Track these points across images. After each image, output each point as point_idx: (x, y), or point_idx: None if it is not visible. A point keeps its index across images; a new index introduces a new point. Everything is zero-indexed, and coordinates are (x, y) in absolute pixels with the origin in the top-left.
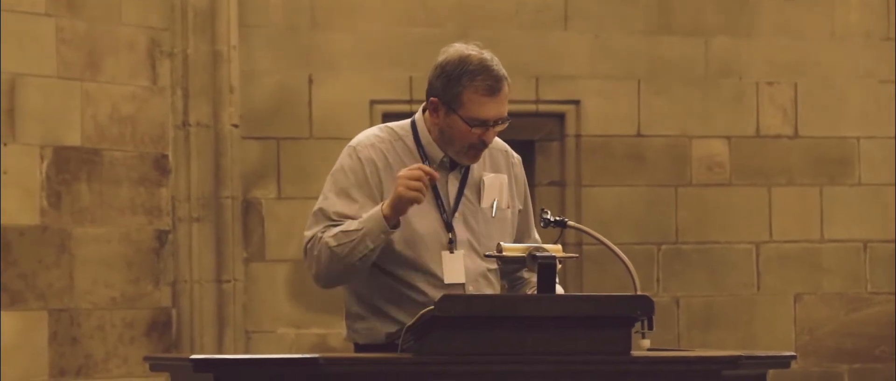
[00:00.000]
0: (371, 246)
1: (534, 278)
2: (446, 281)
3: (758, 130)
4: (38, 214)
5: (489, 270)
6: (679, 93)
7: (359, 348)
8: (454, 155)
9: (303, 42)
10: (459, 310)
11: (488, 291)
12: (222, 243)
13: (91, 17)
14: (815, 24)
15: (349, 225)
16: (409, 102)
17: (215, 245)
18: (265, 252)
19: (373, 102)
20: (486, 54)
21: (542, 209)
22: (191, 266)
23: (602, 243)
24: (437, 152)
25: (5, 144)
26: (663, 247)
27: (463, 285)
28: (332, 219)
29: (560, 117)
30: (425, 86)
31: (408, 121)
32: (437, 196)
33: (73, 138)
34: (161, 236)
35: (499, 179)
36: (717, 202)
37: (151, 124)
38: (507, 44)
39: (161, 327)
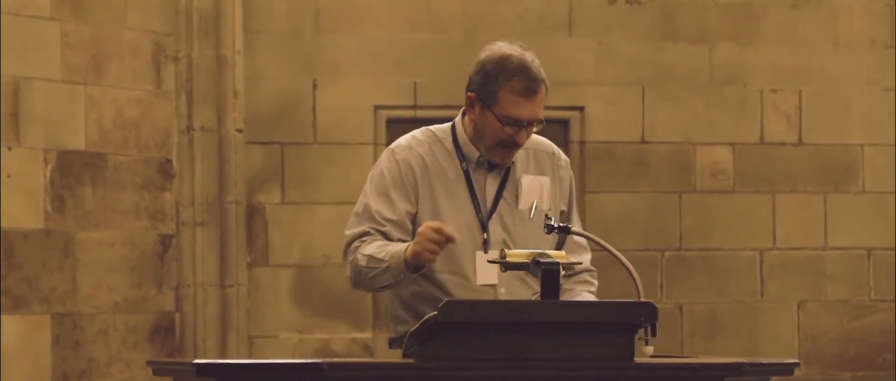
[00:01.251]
0: (390, 281)
1: (576, 287)
2: (478, 282)
3: (762, 137)
4: (42, 218)
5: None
6: (683, 100)
7: (393, 342)
8: (485, 152)
9: (307, 47)
10: (463, 315)
11: (524, 293)
12: (226, 248)
13: (96, 21)
14: (819, 32)
15: (380, 251)
16: (414, 107)
17: (219, 250)
18: (269, 257)
19: (377, 108)
20: (528, 55)
21: (546, 215)
22: (194, 271)
23: (606, 249)
24: (473, 152)
25: (9, 148)
26: (667, 253)
27: (494, 286)
28: (373, 218)
29: (564, 124)
30: (429, 91)
31: (448, 124)
32: (473, 196)
33: (78, 142)
34: (165, 241)
35: (539, 180)
36: (720, 209)
37: (155, 129)
38: None
39: (164, 331)
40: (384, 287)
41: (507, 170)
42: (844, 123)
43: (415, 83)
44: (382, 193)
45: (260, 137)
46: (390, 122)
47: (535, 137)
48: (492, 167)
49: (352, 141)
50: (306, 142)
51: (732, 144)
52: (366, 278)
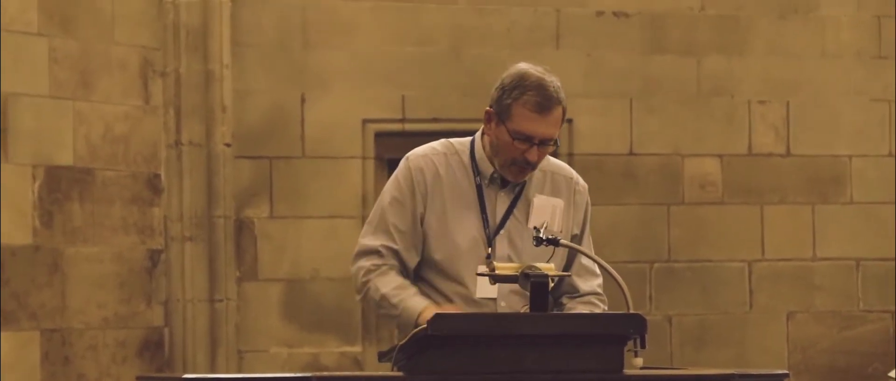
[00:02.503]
0: (397, 323)
1: (577, 307)
2: (477, 295)
3: (750, 148)
4: (31, 233)
5: None
6: (671, 111)
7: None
8: (498, 168)
9: (295, 61)
10: (452, 328)
11: (523, 308)
12: (215, 263)
13: (84, 36)
14: (807, 43)
15: (395, 295)
16: (402, 120)
17: (208, 265)
18: (258, 271)
19: (365, 121)
20: (549, 77)
21: (535, 228)
22: (183, 286)
23: (595, 261)
24: (488, 167)
25: None
26: (656, 265)
27: (494, 300)
28: (387, 230)
29: None
30: (418, 105)
31: (469, 138)
32: (483, 210)
33: (66, 158)
34: (153, 256)
35: (552, 202)
36: (709, 221)
37: (144, 144)
38: (500, 63)
39: (153, 346)
40: (388, 320)
41: (521, 188)
42: (832, 134)
43: (403, 96)
44: (395, 198)
45: (248, 151)
46: (379, 135)
47: (554, 160)
48: (505, 184)
49: (340, 155)
50: (295, 156)
51: (721, 156)
52: (375, 309)
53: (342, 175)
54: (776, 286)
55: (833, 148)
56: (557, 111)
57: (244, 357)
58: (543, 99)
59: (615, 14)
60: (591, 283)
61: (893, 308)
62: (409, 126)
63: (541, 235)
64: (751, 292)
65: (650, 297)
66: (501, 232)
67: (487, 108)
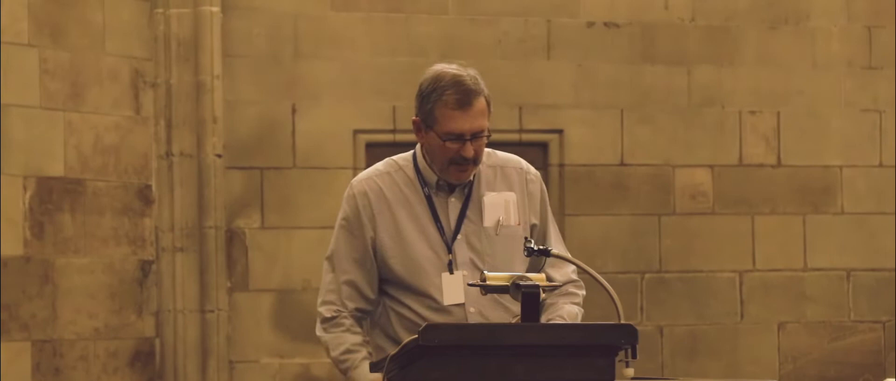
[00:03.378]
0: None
1: (558, 300)
2: (445, 302)
3: (741, 158)
4: (21, 244)
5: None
6: (662, 122)
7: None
8: (440, 173)
9: (286, 72)
10: (443, 339)
11: (494, 312)
12: (206, 273)
13: (74, 47)
14: (798, 54)
15: (346, 358)
16: (393, 131)
17: (199, 275)
18: (249, 282)
19: (356, 132)
20: (464, 71)
21: (526, 238)
22: (174, 296)
23: (586, 271)
24: (432, 176)
25: None
26: (647, 276)
27: (463, 305)
28: (343, 267)
29: (543, 147)
30: (409, 115)
31: (410, 152)
32: (436, 219)
33: (57, 169)
34: (144, 266)
35: (503, 197)
36: (700, 231)
37: (135, 154)
38: (491, 73)
39: (144, 357)
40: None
41: (470, 190)
42: (823, 145)
43: (394, 107)
44: (343, 228)
45: (239, 161)
46: (370, 146)
47: (502, 154)
48: (452, 189)
49: (331, 165)
50: (286, 166)
51: (711, 166)
52: (332, 361)
53: (333, 186)
54: (767, 297)
55: (824, 158)
56: (480, 103)
57: (235, 368)
58: (462, 95)
59: (606, 25)
60: (564, 271)
61: (884, 319)
62: (400, 137)
63: (531, 245)
64: (742, 302)
65: (641, 307)
66: (459, 237)
67: (413, 117)
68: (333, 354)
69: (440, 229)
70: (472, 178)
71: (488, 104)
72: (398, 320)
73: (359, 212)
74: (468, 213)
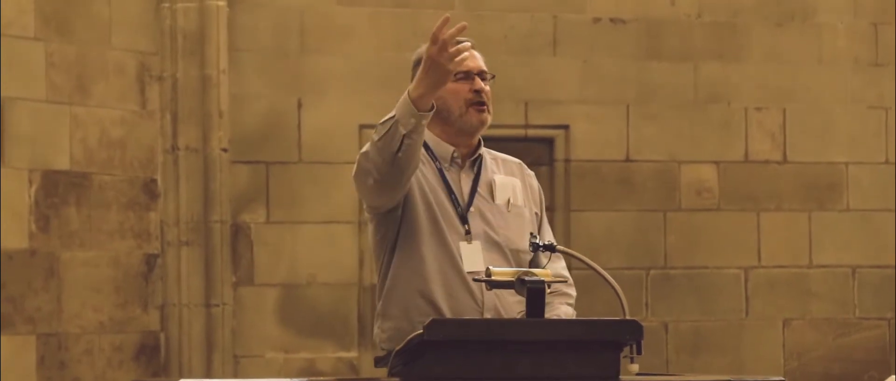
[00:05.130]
0: (403, 131)
1: (553, 301)
2: (466, 269)
3: (746, 155)
4: (27, 238)
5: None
6: (668, 118)
7: (379, 361)
8: (461, 123)
9: (292, 66)
10: (448, 334)
11: (508, 300)
12: (211, 267)
13: (80, 41)
14: (804, 50)
15: (386, 117)
16: None
17: (204, 269)
18: (254, 276)
19: (362, 127)
20: None
21: (532, 234)
22: (179, 290)
23: (591, 267)
24: (446, 149)
25: None
26: (652, 272)
27: (483, 272)
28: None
29: (549, 142)
30: None
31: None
32: (450, 192)
33: (62, 162)
34: (150, 260)
35: (511, 181)
36: (705, 227)
37: (140, 148)
38: (496, 69)
39: (149, 351)
40: (402, 149)
41: (479, 170)
42: (829, 141)
43: None
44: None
45: (245, 156)
46: None
47: (502, 154)
48: (462, 165)
49: (337, 160)
50: (291, 161)
51: (717, 163)
52: (382, 152)
53: (338, 180)
54: (772, 293)
55: (829, 155)
56: (473, 49)
57: (240, 362)
58: (458, 43)
59: (612, 20)
60: (555, 266)
61: (889, 316)
62: None
63: (537, 241)
64: (747, 298)
65: (646, 303)
66: (472, 209)
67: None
68: (376, 137)
69: (455, 201)
70: (480, 153)
71: (478, 54)
72: (418, 283)
73: None
74: (479, 189)
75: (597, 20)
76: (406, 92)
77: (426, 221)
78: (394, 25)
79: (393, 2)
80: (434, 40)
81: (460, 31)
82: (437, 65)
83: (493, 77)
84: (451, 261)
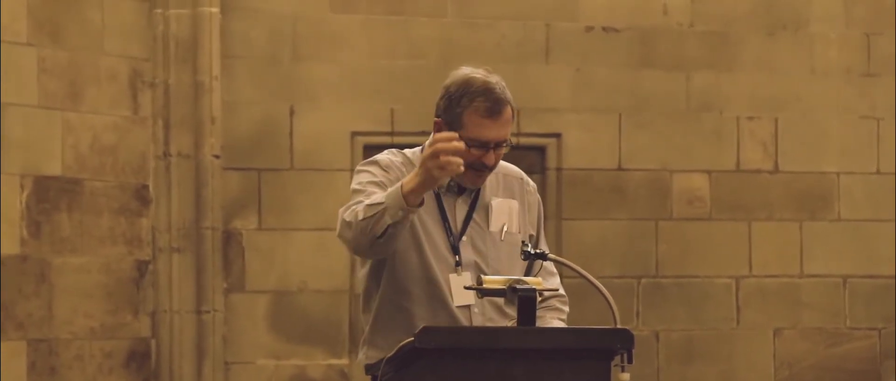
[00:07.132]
0: (389, 221)
1: (545, 315)
2: (455, 304)
3: (738, 164)
4: (18, 243)
5: None
6: (660, 127)
7: (370, 368)
8: (457, 176)
9: (284, 73)
10: (439, 342)
11: (496, 314)
12: (202, 274)
13: (73, 46)
14: (796, 60)
15: (376, 198)
16: (391, 133)
17: (195, 276)
18: (245, 283)
19: (354, 134)
20: (493, 78)
21: (523, 242)
22: (170, 297)
23: (582, 276)
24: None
25: None
26: (643, 280)
27: (469, 307)
28: (366, 190)
29: (541, 151)
30: (406, 118)
31: (418, 148)
32: (444, 219)
33: (54, 168)
34: (141, 267)
35: (508, 204)
36: (697, 236)
37: (132, 154)
38: None
39: (140, 357)
40: (385, 235)
41: (477, 193)
42: (820, 151)
43: (392, 109)
44: (372, 182)
45: (237, 162)
46: (368, 148)
47: (503, 162)
48: (461, 191)
49: (329, 167)
50: (283, 168)
51: (709, 172)
52: (365, 232)
53: (330, 187)
54: (763, 303)
55: (821, 165)
56: (507, 112)
57: (231, 369)
58: (493, 103)
59: (604, 29)
60: (551, 282)
61: (880, 326)
62: (397, 139)
63: (528, 249)
64: (738, 308)
65: (637, 312)
66: (464, 238)
67: (436, 118)
68: (367, 202)
69: (447, 229)
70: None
71: (513, 113)
72: (403, 318)
73: (389, 166)
74: (474, 216)
75: (589, 29)
76: (399, 184)
77: (415, 254)
78: (386, 33)
79: (386, 9)
80: (433, 154)
81: (457, 150)
82: (429, 171)
83: (510, 144)
84: (439, 296)
